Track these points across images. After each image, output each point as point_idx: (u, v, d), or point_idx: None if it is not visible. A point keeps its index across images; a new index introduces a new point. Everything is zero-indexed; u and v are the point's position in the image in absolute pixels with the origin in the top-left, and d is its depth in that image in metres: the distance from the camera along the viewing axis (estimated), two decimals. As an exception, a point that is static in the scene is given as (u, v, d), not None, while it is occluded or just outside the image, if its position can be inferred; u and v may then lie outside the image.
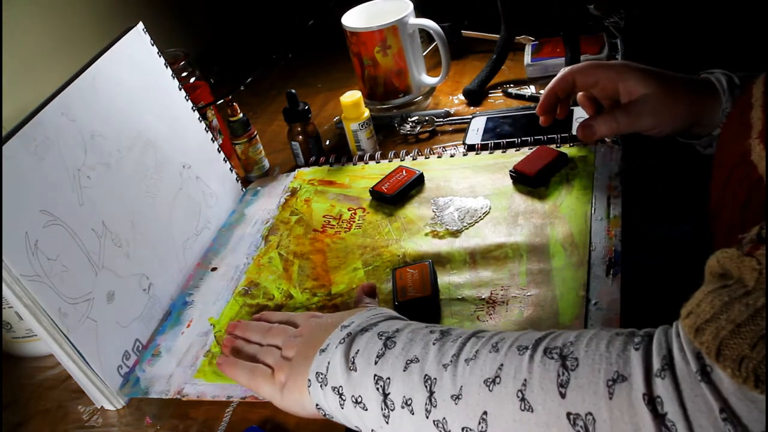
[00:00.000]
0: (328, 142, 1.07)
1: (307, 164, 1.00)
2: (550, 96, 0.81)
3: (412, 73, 1.07)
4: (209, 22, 1.46)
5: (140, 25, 0.87)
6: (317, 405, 0.57)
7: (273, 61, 1.37)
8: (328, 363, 0.56)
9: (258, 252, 0.86)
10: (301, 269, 0.81)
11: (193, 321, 0.79)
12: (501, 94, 1.07)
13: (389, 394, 0.51)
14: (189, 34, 1.36)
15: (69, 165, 0.73)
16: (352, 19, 1.06)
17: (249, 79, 1.32)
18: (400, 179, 0.89)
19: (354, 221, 0.87)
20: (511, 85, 1.08)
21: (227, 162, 0.97)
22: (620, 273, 0.69)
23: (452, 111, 1.06)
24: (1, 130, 0.92)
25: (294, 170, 1.00)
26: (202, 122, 0.94)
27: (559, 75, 0.80)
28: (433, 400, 0.49)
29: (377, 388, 0.52)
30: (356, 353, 0.55)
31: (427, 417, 0.49)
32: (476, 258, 0.75)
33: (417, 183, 0.89)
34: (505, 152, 0.91)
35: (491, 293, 0.71)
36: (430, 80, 1.08)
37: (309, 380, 0.58)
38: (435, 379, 0.50)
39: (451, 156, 0.94)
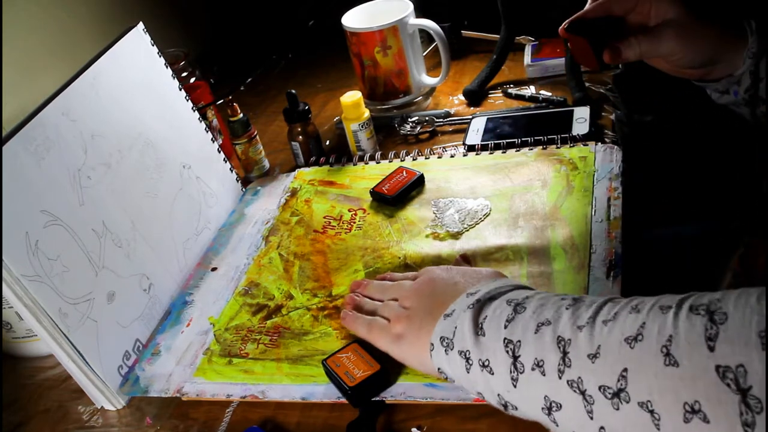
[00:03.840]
0: (328, 143, 1.07)
1: (307, 164, 1.00)
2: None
3: (412, 73, 1.07)
4: (209, 22, 1.46)
5: (140, 26, 0.87)
6: (439, 369, 0.58)
7: (273, 61, 1.37)
8: (455, 328, 0.56)
9: (258, 252, 0.86)
10: (302, 270, 0.81)
11: (193, 320, 0.79)
12: (501, 95, 1.07)
13: (519, 356, 0.51)
14: (189, 34, 1.36)
15: (69, 165, 0.73)
16: (352, 19, 1.06)
17: (249, 79, 1.32)
18: (400, 180, 0.89)
19: (354, 222, 0.87)
20: (511, 86, 1.08)
21: (227, 162, 0.97)
22: (620, 275, 0.69)
23: (452, 111, 1.06)
24: (1, 130, 0.92)
25: (294, 170, 1.00)
26: (202, 122, 0.94)
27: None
28: (566, 360, 0.48)
29: (507, 351, 0.51)
30: (485, 319, 0.55)
31: (560, 377, 0.48)
32: (477, 260, 0.76)
33: (417, 184, 0.89)
34: (505, 153, 0.91)
35: (491, 294, 0.71)
36: (430, 80, 1.08)
37: (432, 344, 0.58)
38: (569, 339, 0.48)
39: (452, 156, 0.94)
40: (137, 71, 0.85)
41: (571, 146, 0.88)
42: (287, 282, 0.80)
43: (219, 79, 1.26)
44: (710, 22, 0.70)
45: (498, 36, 1.08)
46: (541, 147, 0.90)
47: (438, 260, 0.77)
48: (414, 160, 0.95)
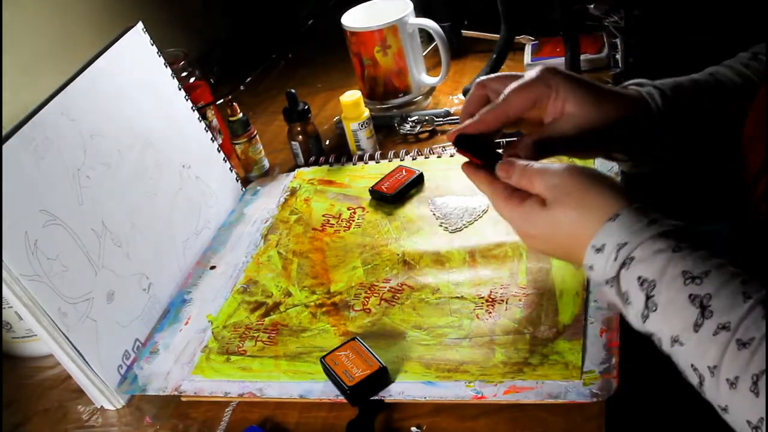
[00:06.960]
0: (327, 142, 1.07)
1: (306, 164, 1.00)
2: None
3: (412, 72, 1.07)
4: (209, 22, 1.46)
5: (140, 25, 0.87)
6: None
7: (273, 61, 1.37)
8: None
9: (257, 251, 0.86)
10: (300, 267, 0.82)
11: (192, 318, 0.79)
12: (501, 94, 1.07)
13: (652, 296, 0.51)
14: (189, 34, 1.36)
15: (69, 165, 0.73)
16: (352, 18, 1.06)
17: (249, 79, 1.32)
18: (399, 179, 0.89)
19: (353, 220, 0.87)
20: (511, 85, 1.08)
21: (227, 162, 0.97)
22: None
23: (452, 111, 1.06)
24: (1, 130, 0.91)
25: (294, 170, 1.00)
26: (202, 122, 0.94)
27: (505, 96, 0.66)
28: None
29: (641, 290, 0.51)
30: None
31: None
32: (476, 256, 0.76)
33: (416, 182, 0.89)
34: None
35: (491, 291, 0.71)
36: (430, 80, 1.08)
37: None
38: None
39: (451, 156, 0.94)
40: (137, 71, 0.85)
41: (570, 144, 0.88)
42: (286, 279, 0.80)
43: (219, 79, 1.26)
44: (613, 106, 0.63)
45: (498, 36, 1.08)
46: (540, 145, 0.90)
47: (436, 256, 0.77)
48: (414, 159, 0.95)
